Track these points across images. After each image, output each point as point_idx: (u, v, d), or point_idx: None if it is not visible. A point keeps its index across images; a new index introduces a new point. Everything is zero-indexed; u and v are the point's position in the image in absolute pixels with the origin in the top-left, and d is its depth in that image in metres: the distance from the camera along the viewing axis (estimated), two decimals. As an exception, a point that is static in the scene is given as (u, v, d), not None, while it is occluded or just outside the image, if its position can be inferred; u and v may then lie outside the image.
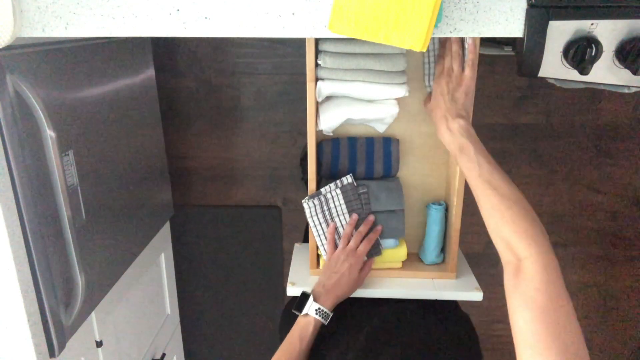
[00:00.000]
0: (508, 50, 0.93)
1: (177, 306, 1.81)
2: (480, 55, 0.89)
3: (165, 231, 1.70)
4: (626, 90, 0.97)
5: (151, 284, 1.61)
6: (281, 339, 0.97)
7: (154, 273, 1.64)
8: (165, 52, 1.71)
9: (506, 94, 1.75)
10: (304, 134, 0.93)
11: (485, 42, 1.04)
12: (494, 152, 1.78)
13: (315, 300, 0.91)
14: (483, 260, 1.95)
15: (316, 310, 0.90)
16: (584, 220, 1.89)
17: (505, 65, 1.70)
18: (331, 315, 0.92)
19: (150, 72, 1.50)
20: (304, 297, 0.92)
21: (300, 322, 0.91)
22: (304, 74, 0.87)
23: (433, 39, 0.89)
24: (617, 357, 2.09)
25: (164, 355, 1.63)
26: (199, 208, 1.84)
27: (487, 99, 1.74)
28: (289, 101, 1.74)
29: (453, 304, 1.00)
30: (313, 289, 0.93)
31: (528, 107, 1.76)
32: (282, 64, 1.67)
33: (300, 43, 0.84)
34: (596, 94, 1.73)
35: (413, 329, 0.85)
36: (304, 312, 0.91)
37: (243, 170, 1.86)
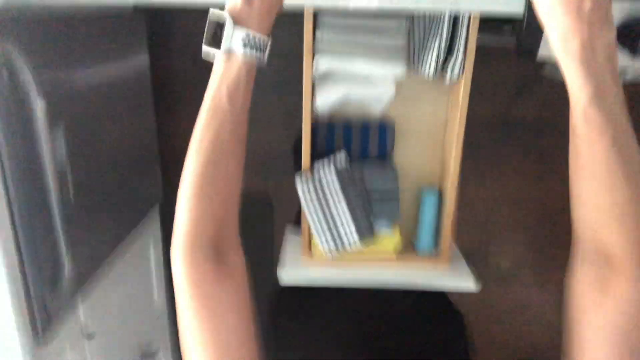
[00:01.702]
0: (507, 29, 0.93)
1: (164, 292, 1.78)
2: (476, 47, 0.88)
3: (153, 216, 1.68)
4: (624, 77, 0.97)
5: (139, 268, 1.59)
6: (274, 325, 0.93)
7: (142, 258, 1.61)
8: (159, 31, 1.68)
9: (501, 88, 1.74)
10: (297, 120, 0.91)
11: (484, 24, 1.03)
12: (487, 147, 1.79)
13: (237, 22, 0.54)
14: (477, 258, 1.94)
15: (244, 39, 0.54)
16: (575, 217, 1.89)
17: (500, 58, 1.69)
18: (269, 43, 0.57)
19: (144, 52, 1.48)
20: (215, 24, 0.55)
21: (221, 69, 0.57)
22: (300, 57, 0.85)
23: (421, 17, 0.87)
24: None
25: (150, 341, 1.61)
26: (189, 195, 1.82)
27: (481, 92, 1.73)
28: (283, 85, 1.71)
29: (446, 301, 0.98)
30: (227, 7, 0.56)
31: (523, 102, 1.76)
32: (277, 46, 1.65)
33: (297, 25, 0.82)
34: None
35: (402, 334, 0.83)
36: (223, 47, 0.55)
37: (235, 158, 1.84)
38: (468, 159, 1.82)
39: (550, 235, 1.90)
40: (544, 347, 2.06)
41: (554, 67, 1.10)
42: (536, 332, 2.05)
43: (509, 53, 1.67)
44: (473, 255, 1.94)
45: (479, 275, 1.96)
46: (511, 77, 1.73)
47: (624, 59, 0.79)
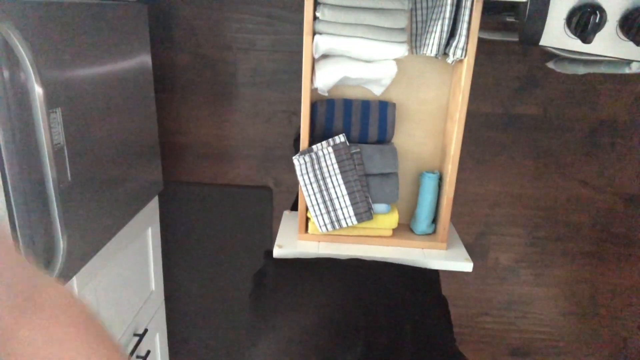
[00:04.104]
0: (510, 19, 0.92)
1: (162, 283, 1.78)
2: (479, 41, 0.87)
3: (153, 206, 1.67)
4: (627, 70, 0.95)
5: (137, 258, 1.58)
6: (250, 303, 0.94)
7: (140, 247, 1.61)
8: (161, 24, 1.68)
9: (504, 84, 1.73)
10: (299, 114, 0.91)
11: (487, 17, 1.03)
12: (489, 142, 1.78)
13: None
14: (473, 251, 1.94)
15: None
16: (577, 215, 1.88)
17: (504, 54, 1.68)
18: None
19: (146, 44, 1.47)
20: None
21: None
22: (301, 54, 0.85)
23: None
24: (602, 354, 2.08)
25: (146, 330, 1.60)
26: (188, 185, 1.82)
27: (484, 87, 1.73)
28: (286, 80, 1.72)
29: (435, 284, 0.98)
30: None
31: (525, 98, 1.75)
32: (280, 40, 1.65)
33: (299, 20, 0.81)
34: (594, 88, 1.72)
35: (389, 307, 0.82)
36: None
37: (236, 149, 1.83)
38: (470, 154, 1.83)
39: (550, 232, 1.89)
40: (538, 341, 2.06)
41: (559, 59, 1.08)
42: (532, 327, 2.05)
43: (513, 49, 1.66)
44: (473, 249, 1.94)
45: (478, 268, 1.96)
46: (514, 74, 1.72)
47: (627, 50, 0.78)
